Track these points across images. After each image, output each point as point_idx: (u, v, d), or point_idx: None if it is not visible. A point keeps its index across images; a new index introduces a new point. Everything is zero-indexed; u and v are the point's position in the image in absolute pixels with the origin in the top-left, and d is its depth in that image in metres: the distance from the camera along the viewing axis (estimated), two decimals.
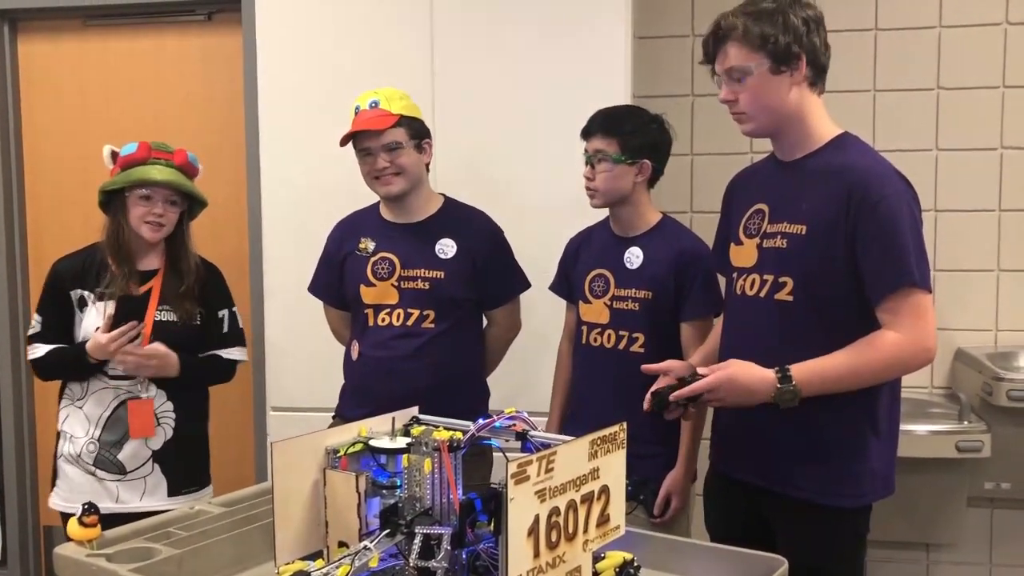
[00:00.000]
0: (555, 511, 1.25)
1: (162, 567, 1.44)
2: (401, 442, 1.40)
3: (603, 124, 2.22)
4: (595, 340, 2.27)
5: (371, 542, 1.25)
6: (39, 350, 2.42)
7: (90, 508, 1.52)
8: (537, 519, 1.22)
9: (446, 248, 2.34)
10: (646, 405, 1.83)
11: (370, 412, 2.12)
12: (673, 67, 3.11)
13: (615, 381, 2.23)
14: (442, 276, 2.32)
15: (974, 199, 3.00)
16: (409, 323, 2.32)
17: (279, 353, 2.90)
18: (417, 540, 1.23)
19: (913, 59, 3.01)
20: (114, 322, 2.32)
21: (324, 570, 1.18)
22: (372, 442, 1.41)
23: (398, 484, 1.37)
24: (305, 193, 2.82)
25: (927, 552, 3.10)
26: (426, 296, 2.31)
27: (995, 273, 3.00)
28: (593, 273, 2.30)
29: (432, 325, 2.31)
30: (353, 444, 1.40)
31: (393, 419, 1.48)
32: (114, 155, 2.38)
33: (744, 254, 1.91)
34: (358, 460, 1.41)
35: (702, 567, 1.49)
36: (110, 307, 2.33)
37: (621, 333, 2.23)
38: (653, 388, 1.85)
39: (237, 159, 3.15)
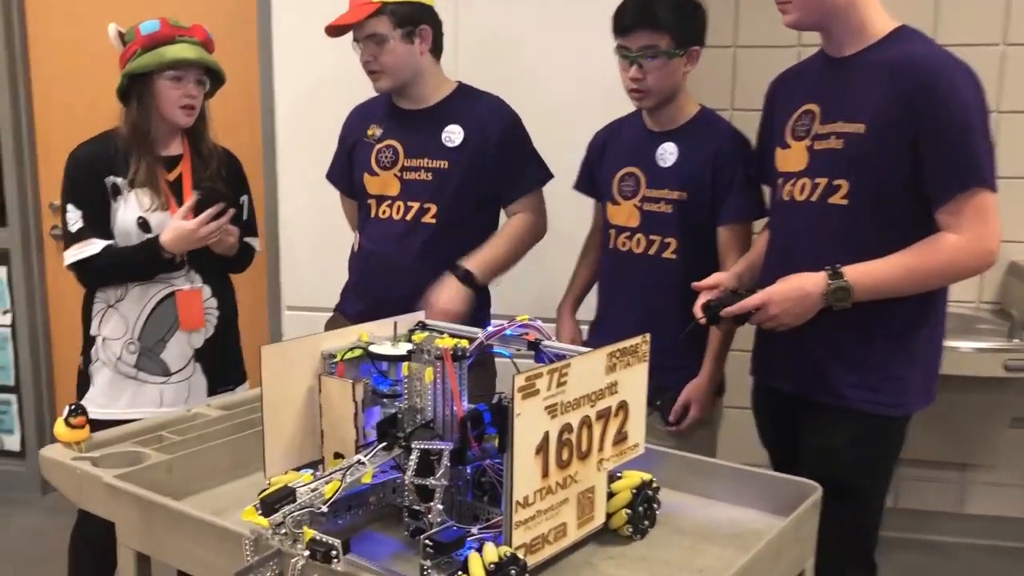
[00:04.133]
0: (567, 428, 1.14)
1: (150, 473, 1.37)
2: (403, 348, 1.28)
3: (646, 17, 1.96)
4: (623, 244, 2.11)
5: (366, 456, 1.15)
6: (91, 246, 2.12)
7: (77, 408, 1.44)
8: (547, 436, 1.11)
9: (452, 136, 2.17)
10: (699, 316, 1.76)
11: (367, 309, 2.01)
12: None
13: (644, 289, 2.08)
14: (446, 166, 2.15)
15: None
16: (408, 217, 2.17)
17: (294, 252, 2.81)
18: (414, 456, 1.13)
19: None
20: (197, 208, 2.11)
21: (312, 485, 1.08)
22: (372, 348, 1.29)
23: (399, 393, 1.27)
24: (318, 88, 2.68)
25: (964, 472, 2.99)
26: (427, 188, 2.16)
27: None
28: (622, 172, 2.12)
29: (433, 220, 2.16)
30: (352, 349, 1.29)
31: (395, 324, 1.36)
32: (121, 35, 2.18)
33: (792, 158, 1.79)
34: (357, 367, 1.30)
35: (727, 489, 1.38)
36: (143, 195, 2.12)
37: (652, 238, 2.06)
38: (702, 301, 1.78)
39: (248, 52, 2.99)
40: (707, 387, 2.07)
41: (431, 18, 2.17)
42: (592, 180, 2.23)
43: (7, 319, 3.32)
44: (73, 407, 1.44)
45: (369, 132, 2.24)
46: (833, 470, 1.71)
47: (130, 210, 2.13)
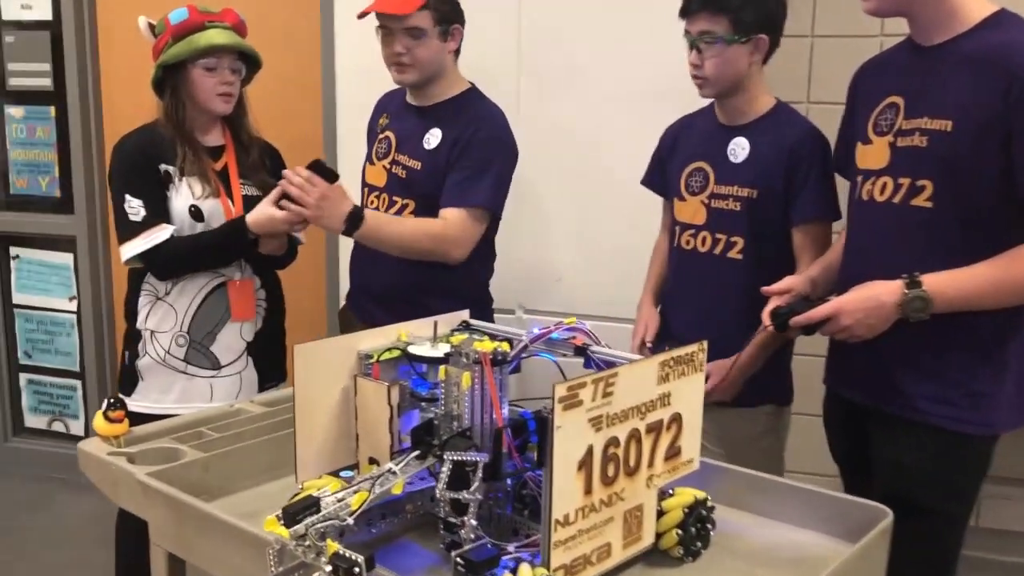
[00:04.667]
0: (613, 442, 1.06)
1: (185, 471, 1.33)
2: (443, 350, 1.21)
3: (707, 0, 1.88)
4: (687, 243, 2.01)
5: (397, 465, 1.08)
6: (162, 231, 2.06)
7: (116, 402, 1.41)
8: (590, 450, 1.03)
9: (431, 138, 2.15)
10: (766, 324, 1.67)
11: (362, 299, 2.08)
12: None
13: (708, 290, 1.98)
14: (419, 167, 2.14)
15: None
16: (391, 212, 2.17)
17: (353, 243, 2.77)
18: (446, 468, 1.06)
19: None
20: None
21: (338, 495, 1.02)
22: (411, 348, 1.23)
23: (439, 397, 1.20)
24: (380, 78, 2.62)
25: None
26: (403, 185, 2.16)
27: None
28: (691, 167, 2.02)
29: (412, 216, 2.14)
30: (389, 349, 1.23)
31: (435, 323, 1.29)
32: (152, 27, 2.15)
33: (873, 154, 1.68)
34: (395, 368, 1.24)
35: (789, 510, 1.28)
36: (193, 183, 2.09)
37: (718, 236, 1.96)
38: (771, 306, 1.69)
39: (310, 42, 2.95)
40: (736, 373, 1.88)
41: (462, 19, 2.16)
42: (662, 175, 2.13)
43: (73, 306, 3.38)
44: (112, 400, 1.41)
45: (381, 121, 2.27)
46: (905, 487, 1.61)
47: (182, 198, 2.10)
